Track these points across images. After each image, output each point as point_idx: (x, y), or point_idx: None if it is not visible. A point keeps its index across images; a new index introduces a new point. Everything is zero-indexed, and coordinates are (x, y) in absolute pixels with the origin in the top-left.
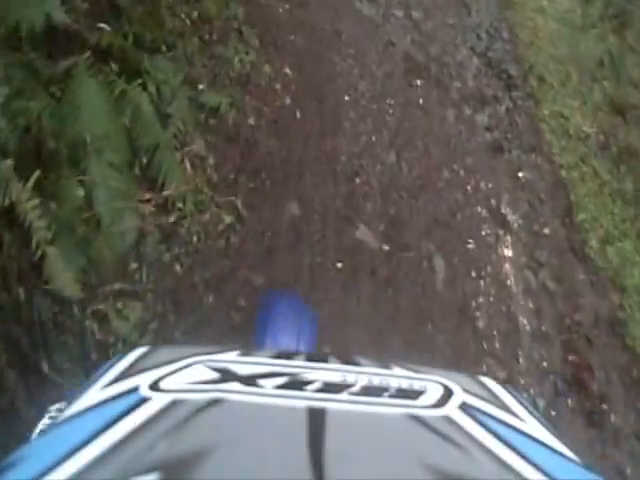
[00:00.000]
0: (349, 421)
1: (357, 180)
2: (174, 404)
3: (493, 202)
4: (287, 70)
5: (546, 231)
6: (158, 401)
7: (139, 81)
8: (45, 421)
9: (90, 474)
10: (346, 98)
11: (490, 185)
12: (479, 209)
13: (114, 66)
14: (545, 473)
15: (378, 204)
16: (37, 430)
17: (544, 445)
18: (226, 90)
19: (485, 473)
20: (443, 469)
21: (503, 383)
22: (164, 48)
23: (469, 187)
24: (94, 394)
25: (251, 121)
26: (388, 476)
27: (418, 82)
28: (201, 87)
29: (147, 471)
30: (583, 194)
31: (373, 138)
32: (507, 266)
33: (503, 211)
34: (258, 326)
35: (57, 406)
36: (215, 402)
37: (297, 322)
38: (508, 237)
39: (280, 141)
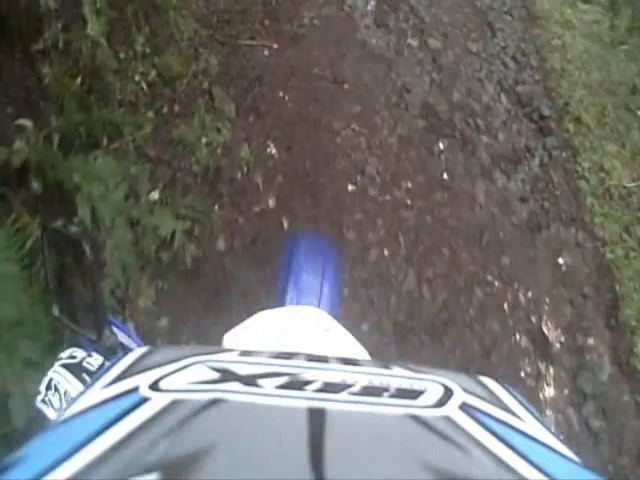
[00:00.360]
0: (349, 421)
1: (364, 326)
2: (174, 404)
3: (533, 320)
4: (272, 149)
5: (590, 341)
6: (158, 401)
7: (60, 221)
8: (56, 368)
9: (90, 474)
10: (350, 188)
11: (530, 294)
12: (518, 337)
13: (36, 185)
14: (545, 473)
15: (392, 358)
16: (47, 378)
17: (544, 445)
18: (187, 198)
19: (485, 473)
20: (443, 469)
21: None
22: (105, 140)
23: (506, 306)
24: (94, 394)
25: (220, 244)
26: (388, 476)
27: (441, 145)
28: (153, 197)
29: (147, 471)
30: (628, 278)
31: (386, 251)
32: (549, 413)
33: (545, 330)
34: (282, 268)
35: (69, 352)
36: (215, 402)
37: (320, 262)
38: (550, 369)
39: (260, 273)
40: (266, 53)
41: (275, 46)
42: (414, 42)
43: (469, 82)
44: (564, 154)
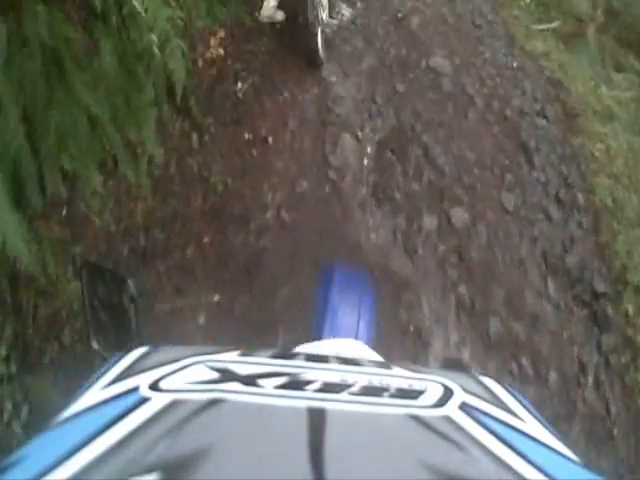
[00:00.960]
0: (349, 421)
1: None
2: (174, 404)
3: None
4: None
5: None
6: (158, 401)
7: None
8: None
9: (90, 474)
10: None
11: None
12: None
13: None
14: (545, 473)
15: None
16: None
17: (544, 445)
18: None
19: (485, 473)
20: (443, 469)
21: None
22: None
23: None
24: (94, 394)
25: None
26: (388, 476)
27: None
28: None
29: (147, 471)
30: None
31: None
32: None
33: None
34: (318, 302)
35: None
36: (215, 402)
37: (357, 296)
38: None
39: None
40: (192, 327)
41: (216, 298)
42: (432, 222)
43: (507, 276)
44: (623, 359)
